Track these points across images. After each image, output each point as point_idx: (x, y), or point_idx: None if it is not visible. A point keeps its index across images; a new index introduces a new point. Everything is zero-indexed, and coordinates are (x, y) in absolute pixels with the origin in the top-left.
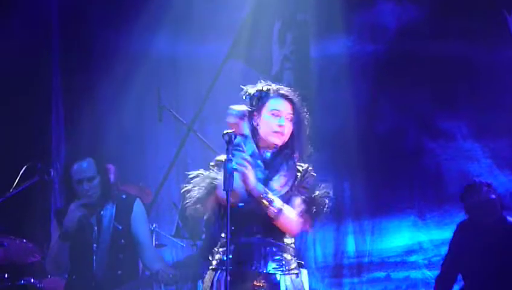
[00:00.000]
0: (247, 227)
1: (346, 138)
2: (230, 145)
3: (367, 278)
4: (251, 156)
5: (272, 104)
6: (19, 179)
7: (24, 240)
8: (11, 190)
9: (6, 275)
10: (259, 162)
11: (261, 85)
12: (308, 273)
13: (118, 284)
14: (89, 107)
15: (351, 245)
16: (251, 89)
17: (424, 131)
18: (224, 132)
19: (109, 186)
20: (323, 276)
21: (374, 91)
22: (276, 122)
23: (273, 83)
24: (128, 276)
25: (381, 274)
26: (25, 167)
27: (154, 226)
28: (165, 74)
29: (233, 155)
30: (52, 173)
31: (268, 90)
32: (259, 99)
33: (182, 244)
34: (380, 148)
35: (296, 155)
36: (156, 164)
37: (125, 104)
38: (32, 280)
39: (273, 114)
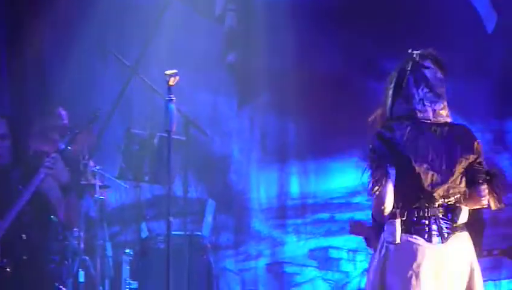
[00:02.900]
0: None
1: (290, 79)
2: (171, 85)
3: (311, 219)
4: None
5: None
6: None
7: None
8: None
9: None
10: None
11: None
12: (252, 214)
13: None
14: (34, 54)
15: (294, 186)
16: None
17: (369, 72)
18: (166, 72)
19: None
20: (267, 217)
21: (318, 32)
22: None
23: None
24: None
25: (325, 215)
26: None
27: (97, 168)
28: (110, 17)
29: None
30: None
31: None
32: None
33: (125, 186)
34: (324, 89)
35: None
36: (102, 106)
37: (71, 49)
38: None
39: None
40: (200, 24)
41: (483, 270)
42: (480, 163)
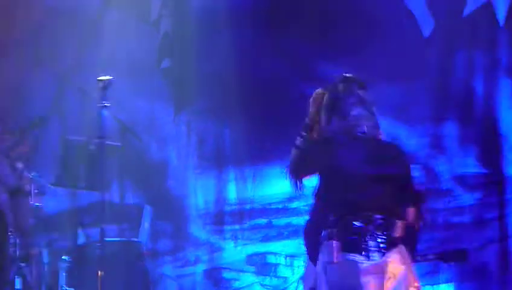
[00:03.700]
0: None
1: (227, 84)
2: (104, 91)
3: (249, 225)
4: None
5: None
6: None
7: None
8: None
9: None
10: None
11: None
12: (190, 220)
13: None
14: None
15: (232, 192)
16: None
17: (305, 77)
18: (99, 78)
19: None
20: (204, 223)
21: (254, 37)
22: None
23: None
24: None
25: (263, 221)
26: None
27: (34, 174)
28: (44, 23)
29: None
30: None
31: None
32: None
33: (62, 192)
34: (261, 95)
35: None
36: (38, 113)
37: (4, 55)
38: None
39: None
40: (136, 29)
41: (421, 275)
42: (409, 183)
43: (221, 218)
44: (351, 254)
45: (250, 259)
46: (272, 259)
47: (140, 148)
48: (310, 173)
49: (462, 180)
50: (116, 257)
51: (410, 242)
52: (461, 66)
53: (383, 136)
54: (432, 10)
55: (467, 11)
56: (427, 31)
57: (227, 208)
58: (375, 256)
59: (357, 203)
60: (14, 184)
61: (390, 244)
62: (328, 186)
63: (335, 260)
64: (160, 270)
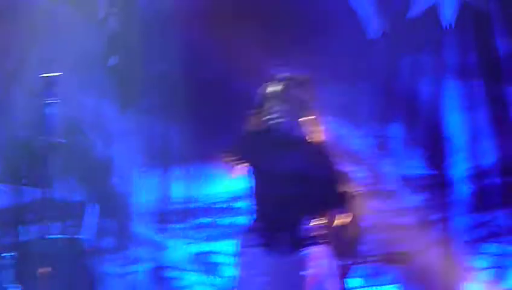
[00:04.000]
0: None
1: (174, 83)
2: (50, 88)
3: (193, 224)
4: None
5: None
6: None
7: None
8: None
9: None
10: None
11: None
12: (134, 218)
13: None
14: None
15: (177, 191)
16: None
17: (251, 78)
18: (41, 75)
19: None
20: (149, 221)
21: (203, 36)
22: None
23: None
24: None
25: (207, 220)
26: None
27: None
28: None
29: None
30: None
31: None
32: None
33: (3, 189)
34: (208, 94)
35: None
36: None
37: None
38: None
39: None
40: (83, 27)
41: (366, 276)
42: (333, 184)
43: (166, 217)
44: (261, 246)
45: (194, 258)
46: (215, 258)
47: (85, 145)
48: (239, 159)
49: (407, 181)
50: (59, 254)
51: (335, 241)
52: (407, 68)
53: (317, 136)
54: (378, 12)
55: (413, 13)
56: (373, 33)
57: (172, 207)
58: (286, 250)
59: (276, 199)
60: None
61: (305, 241)
62: (253, 179)
63: (248, 250)
64: (103, 268)
